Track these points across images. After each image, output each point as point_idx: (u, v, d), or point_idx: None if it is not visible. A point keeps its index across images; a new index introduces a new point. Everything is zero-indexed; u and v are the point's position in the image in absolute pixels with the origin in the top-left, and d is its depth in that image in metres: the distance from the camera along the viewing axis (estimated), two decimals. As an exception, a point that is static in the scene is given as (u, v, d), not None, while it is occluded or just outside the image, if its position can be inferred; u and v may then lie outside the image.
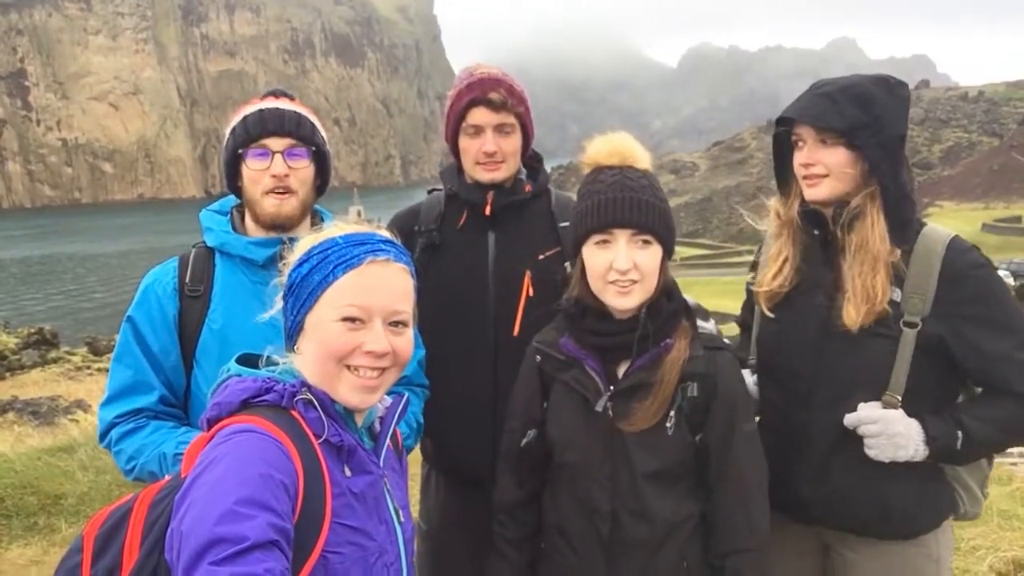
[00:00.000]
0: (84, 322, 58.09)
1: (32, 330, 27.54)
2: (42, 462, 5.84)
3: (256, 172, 2.25)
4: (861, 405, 2.15)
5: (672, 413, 2.03)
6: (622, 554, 2.07)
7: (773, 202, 2.41)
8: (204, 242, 2.36)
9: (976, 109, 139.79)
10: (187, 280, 2.30)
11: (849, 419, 2.15)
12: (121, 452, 2.20)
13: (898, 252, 2.13)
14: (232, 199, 2.42)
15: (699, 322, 2.15)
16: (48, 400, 13.86)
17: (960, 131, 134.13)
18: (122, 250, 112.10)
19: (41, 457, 5.94)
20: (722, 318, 2.31)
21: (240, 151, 2.26)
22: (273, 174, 2.23)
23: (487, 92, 2.51)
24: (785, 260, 2.31)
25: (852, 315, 2.13)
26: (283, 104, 2.31)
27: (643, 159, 2.08)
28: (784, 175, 2.35)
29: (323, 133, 2.38)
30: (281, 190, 2.25)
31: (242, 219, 2.36)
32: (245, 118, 2.27)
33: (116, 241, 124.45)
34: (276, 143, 2.24)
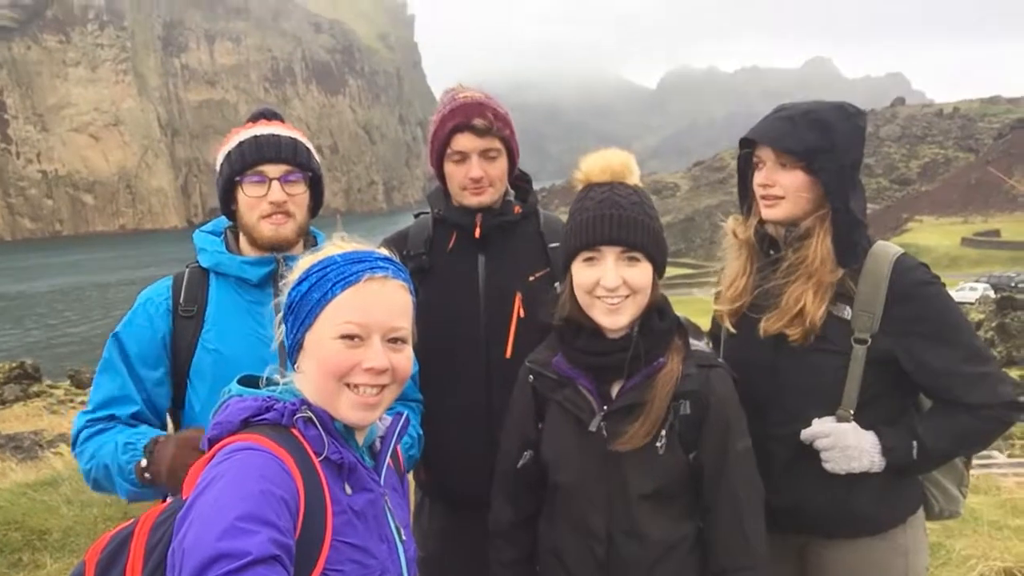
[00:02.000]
0: (65, 356, 57.43)
1: (13, 364, 27.16)
2: (26, 497, 5.76)
3: (253, 199, 2.25)
4: (815, 420, 2.21)
5: (663, 432, 2.02)
6: None
7: (730, 222, 2.46)
8: (198, 262, 2.35)
9: (952, 125, 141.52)
10: (181, 300, 2.29)
11: (804, 434, 2.22)
12: (83, 452, 2.20)
13: (840, 272, 2.19)
14: (224, 220, 2.40)
15: (691, 340, 2.14)
16: (31, 435, 13.65)
17: (936, 147, 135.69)
18: (102, 282, 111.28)
19: (25, 492, 5.87)
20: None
21: (236, 178, 2.26)
22: (271, 200, 2.23)
23: (471, 118, 2.47)
24: (744, 278, 2.36)
25: (764, 325, 2.23)
26: (277, 129, 2.29)
27: (635, 175, 2.08)
28: (746, 195, 2.41)
29: (316, 157, 2.38)
30: (279, 216, 2.25)
31: (236, 240, 2.36)
32: (241, 143, 2.26)
33: (97, 273, 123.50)
34: (273, 169, 2.24)
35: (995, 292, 43.47)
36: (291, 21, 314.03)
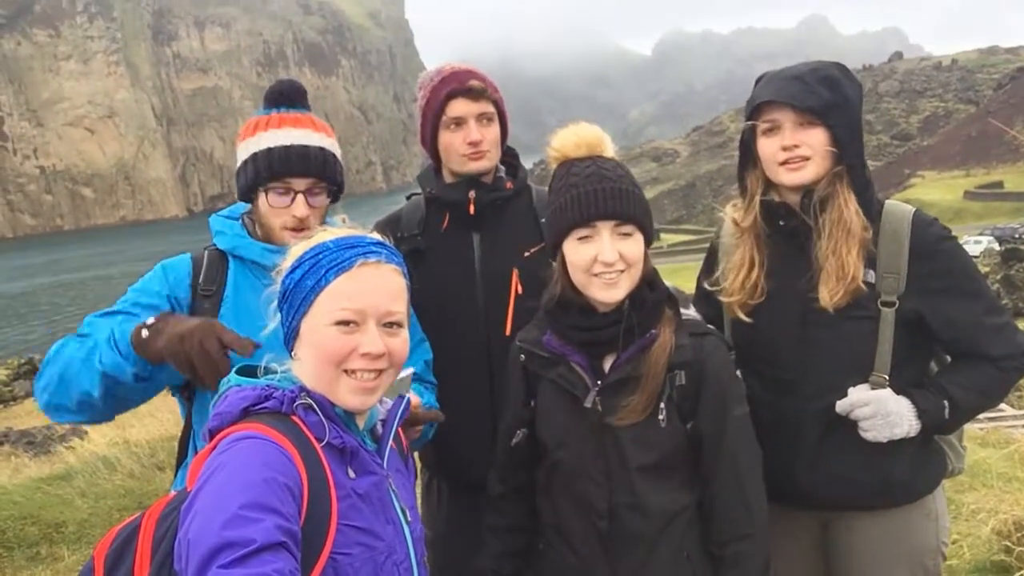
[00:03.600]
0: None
1: (22, 361, 27.36)
2: (41, 492, 5.81)
3: (277, 209, 2.23)
4: (851, 389, 2.17)
5: (663, 405, 2.01)
6: (622, 549, 2.05)
7: (729, 210, 2.40)
8: (215, 245, 2.34)
9: (951, 78, 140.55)
10: (200, 280, 2.28)
11: (841, 405, 2.16)
12: (58, 354, 2.08)
13: (871, 230, 2.16)
14: (241, 206, 2.39)
15: (682, 309, 2.12)
16: (43, 429, 13.74)
17: (936, 100, 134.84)
18: (104, 275, 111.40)
19: (40, 487, 5.92)
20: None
21: (260, 187, 2.23)
22: (294, 215, 2.21)
23: (465, 82, 2.46)
24: (753, 266, 2.30)
25: (826, 295, 2.15)
26: (307, 136, 2.24)
27: (610, 147, 2.06)
28: (746, 172, 2.34)
29: (341, 160, 2.34)
30: (300, 228, 2.22)
31: (254, 225, 2.34)
32: (270, 151, 2.20)
33: (99, 267, 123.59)
34: (299, 183, 2.21)
35: (1000, 244, 43.27)
36: (279, 3, 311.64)
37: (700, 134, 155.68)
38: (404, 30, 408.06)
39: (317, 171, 2.22)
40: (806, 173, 2.18)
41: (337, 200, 2.40)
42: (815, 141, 2.15)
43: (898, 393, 2.16)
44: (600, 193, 1.95)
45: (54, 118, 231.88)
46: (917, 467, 2.26)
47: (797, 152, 2.17)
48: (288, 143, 2.21)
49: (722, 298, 2.37)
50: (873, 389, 2.16)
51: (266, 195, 2.22)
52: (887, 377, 2.16)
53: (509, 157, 2.74)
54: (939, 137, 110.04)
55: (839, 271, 2.13)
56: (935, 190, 78.04)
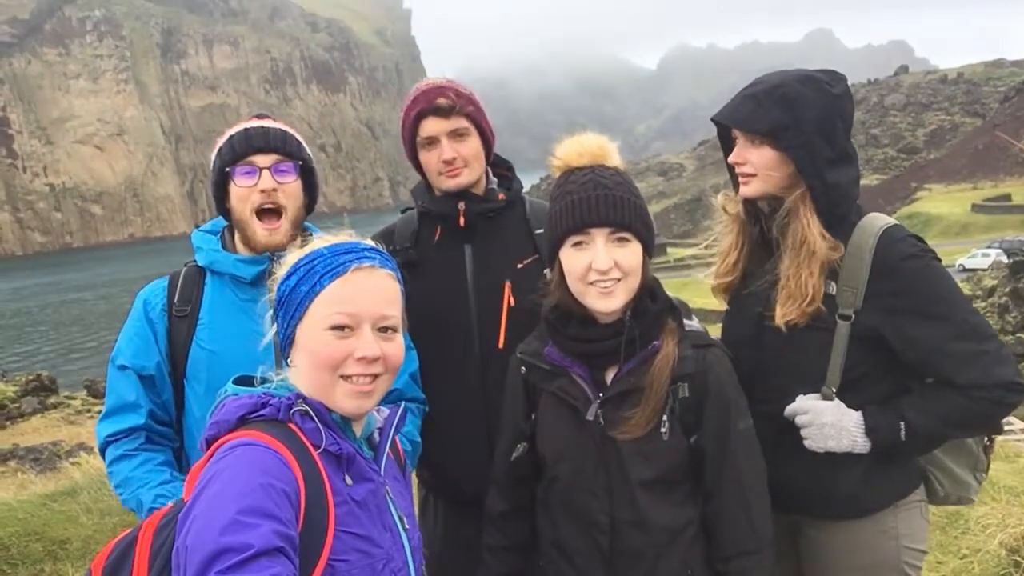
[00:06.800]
0: (81, 367, 57.68)
1: (30, 377, 27.36)
2: (46, 508, 5.80)
3: (244, 189, 2.26)
4: (799, 397, 2.17)
5: (665, 417, 1.97)
6: (623, 566, 2.02)
7: (720, 198, 2.44)
8: (195, 261, 2.39)
9: (956, 91, 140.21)
10: (175, 300, 2.33)
11: (787, 410, 2.18)
12: (112, 474, 2.30)
13: (842, 249, 2.12)
14: (222, 220, 2.43)
15: (684, 321, 2.09)
16: (50, 445, 13.76)
17: (943, 114, 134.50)
18: (110, 293, 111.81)
19: (45, 503, 5.91)
20: (718, 316, 2.49)
21: (227, 169, 2.28)
22: (261, 189, 2.24)
23: (433, 100, 2.46)
24: (735, 252, 2.35)
25: (780, 313, 2.15)
26: (268, 123, 2.34)
27: (614, 157, 2.03)
28: (732, 170, 2.37)
29: (308, 151, 2.40)
30: (269, 206, 2.26)
31: (232, 238, 2.38)
32: (231, 137, 2.30)
33: (105, 287, 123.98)
34: (263, 159, 2.26)
35: (1008, 257, 43.01)
36: (287, 21, 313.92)
37: (706, 148, 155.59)
38: (411, 47, 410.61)
39: (278, 146, 2.27)
40: (750, 188, 2.23)
41: (314, 201, 2.44)
42: (759, 160, 2.18)
43: (856, 408, 2.13)
44: (595, 200, 1.93)
45: (63, 136, 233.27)
46: (867, 483, 2.21)
47: (742, 169, 2.22)
48: (247, 127, 2.32)
49: (710, 280, 2.42)
50: (822, 400, 2.15)
51: (234, 180, 2.27)
52: (834, 390, 2.15)
53: (504, 169, 2.74)
54: (946, 150, 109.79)
55: (799, 291, 2.12)
56: (942, 203, 77.76)
